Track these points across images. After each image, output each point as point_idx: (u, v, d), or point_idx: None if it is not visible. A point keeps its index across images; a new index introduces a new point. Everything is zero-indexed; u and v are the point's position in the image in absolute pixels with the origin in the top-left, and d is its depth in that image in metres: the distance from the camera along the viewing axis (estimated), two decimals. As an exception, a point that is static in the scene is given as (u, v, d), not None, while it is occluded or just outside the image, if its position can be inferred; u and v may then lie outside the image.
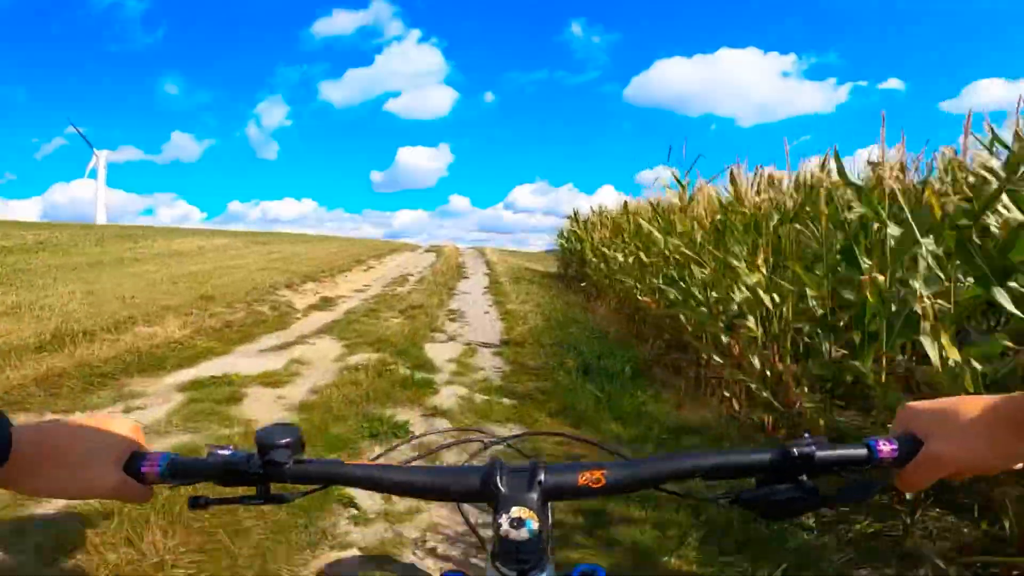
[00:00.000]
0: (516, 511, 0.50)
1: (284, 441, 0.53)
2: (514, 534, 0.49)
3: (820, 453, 0.52)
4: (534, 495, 0.52)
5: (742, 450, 0.55)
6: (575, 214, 12.08)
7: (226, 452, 0.55)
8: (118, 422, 0.56)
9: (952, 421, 0.51)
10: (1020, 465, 0.51)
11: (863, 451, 0.53)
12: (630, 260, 6.11)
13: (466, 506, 0.76)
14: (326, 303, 8.16)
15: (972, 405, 0.51)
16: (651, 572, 1.95)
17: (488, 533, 0.58)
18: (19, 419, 0.60)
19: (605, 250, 7.60)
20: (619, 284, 6.62)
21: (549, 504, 0.55)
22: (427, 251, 25.04)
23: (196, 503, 0.55)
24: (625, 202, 7.27)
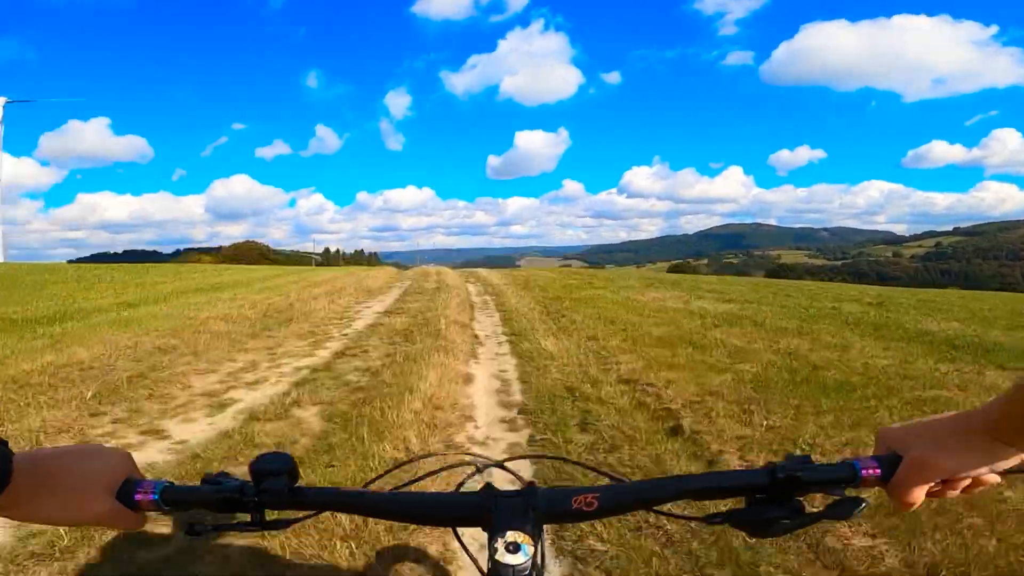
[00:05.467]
0: (511, 535, 0.51)
1: (278, 470, 0.53)
2: (510, 558, 0.50)
3: (806, 474, 0.54)
4: (529, 519, 0.52)
5: (731, 472, 0.60)
6: None
7: (221, 481, 0.55)
8: (110, 450, 0.55)
9: (928, 433, 0.53)
10: (1005, 465, 0.51)
11: (847, 471, 0.55)
12: None
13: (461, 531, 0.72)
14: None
15: (945, 419, 0.53)
16: None
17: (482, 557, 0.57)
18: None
19: None
20: None
21: (543, 528, 0.55)
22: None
23: (192, 530, 0.54)
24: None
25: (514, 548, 0.50)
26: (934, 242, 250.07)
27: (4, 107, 66.48)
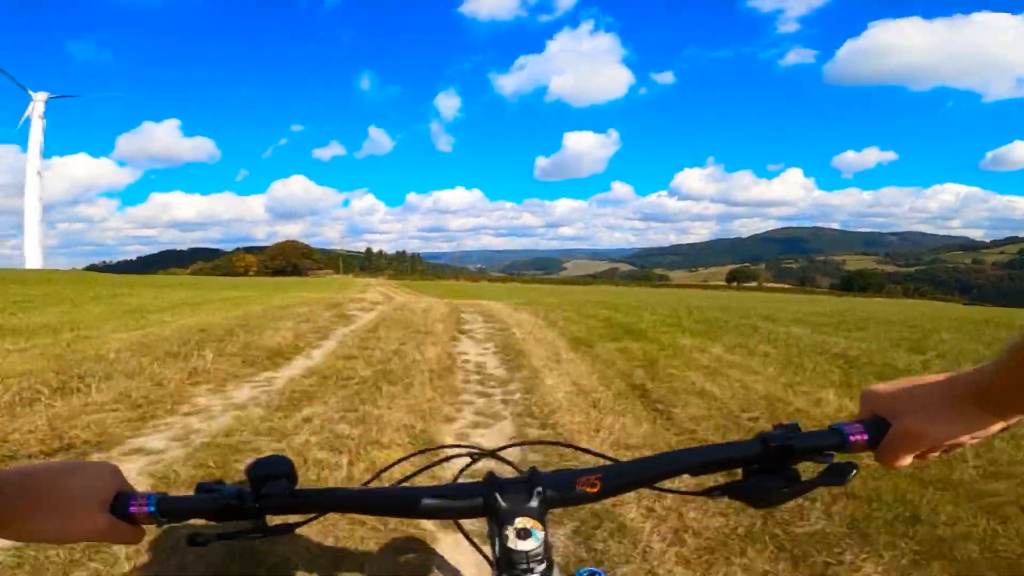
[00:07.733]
0: (520, 522, 0.51)
1: (277, 473, 0.52)
2: (522, 545, 0.50)
3: (797, 442, 0.54)
4: (535, 505, 0.53)
5: (724, 444, 0.57)
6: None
7: (217, 488, 0.53)
8: (98, 464, 0.54)
9: (915, 399, 0.53)
10: (986, 433, 0.52)
11: (836, 438, 0.55)
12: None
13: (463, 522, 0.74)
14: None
15: (931, 382, 0.53)
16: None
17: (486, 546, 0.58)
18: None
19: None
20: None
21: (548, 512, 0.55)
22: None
23: (194, 541, 0.53)
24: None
25: (525, 534, 0.50)
26: (1017, 248, 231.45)
27: (46, 103, 64.35)
